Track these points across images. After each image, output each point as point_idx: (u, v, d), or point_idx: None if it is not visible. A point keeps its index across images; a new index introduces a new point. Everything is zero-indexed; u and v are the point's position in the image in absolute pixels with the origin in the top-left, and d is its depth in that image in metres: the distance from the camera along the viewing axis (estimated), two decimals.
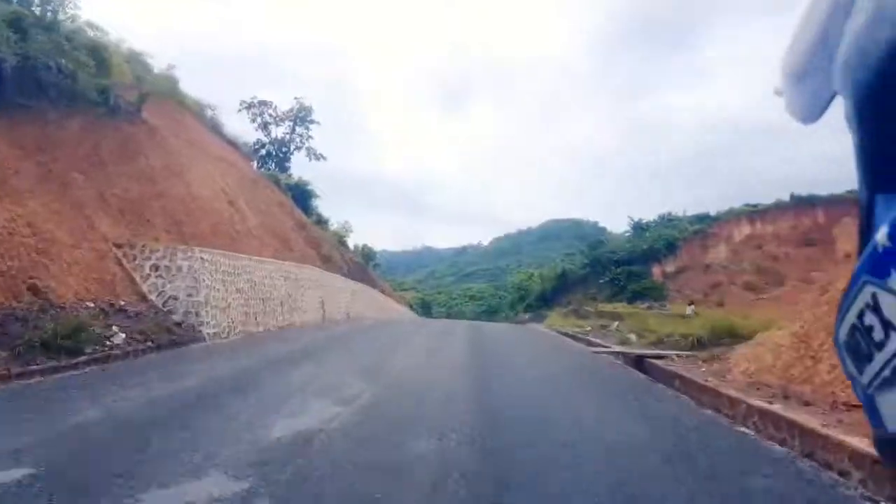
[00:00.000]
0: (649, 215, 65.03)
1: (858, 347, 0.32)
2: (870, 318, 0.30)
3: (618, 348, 10.20)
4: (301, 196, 46.02)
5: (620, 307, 43.60)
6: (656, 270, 51.57)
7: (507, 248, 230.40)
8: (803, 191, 63.69)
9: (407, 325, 19.32)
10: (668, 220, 60.99)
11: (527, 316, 51.19)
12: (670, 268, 52.18)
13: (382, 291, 48.03)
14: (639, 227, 57.41)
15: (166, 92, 22.41)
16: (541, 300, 63.10)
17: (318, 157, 58.43)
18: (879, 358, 0.29)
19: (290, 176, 50.96)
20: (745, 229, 59.40)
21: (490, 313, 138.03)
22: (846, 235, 58.57)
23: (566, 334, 16.23)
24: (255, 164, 51.27)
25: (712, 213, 62.19)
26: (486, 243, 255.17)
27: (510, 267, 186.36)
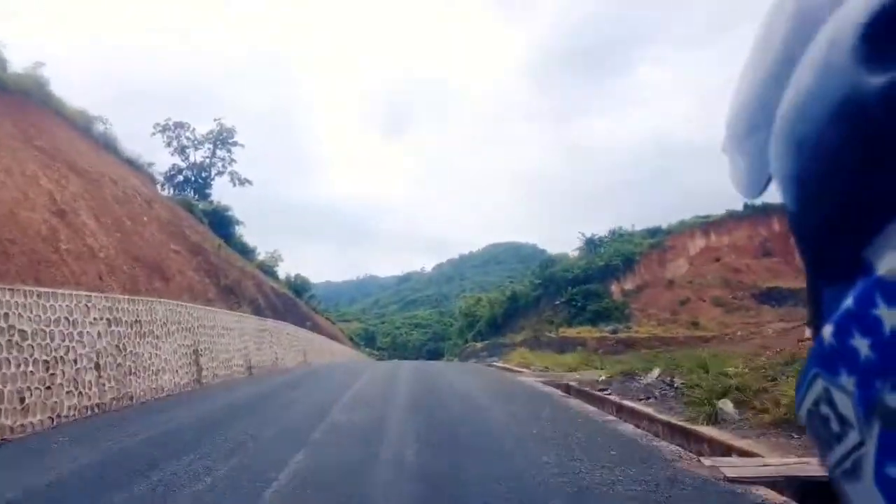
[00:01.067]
0: (597, 231, 60.72)
1: (818, 433, 0.30)
2: (825, 409, 0.29)
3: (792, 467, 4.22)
4: (220, 223, 39.93)
5: (584, 331, 38.38)
6: (615, 289, 46.90)
7: (450, 273, 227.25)
8: (756, 200, 61.23)
9: (331, 386, 12.82)
10: (619, 236, 56.94)
11: (479, 345, 44.94)
12: (629, 285, 47.63)
13: (317, 328, 41.10)
14: (592, 244, 52.86)
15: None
16: (492, 326, 57.40)
17: (243, 181, 52.81)
18: (839, 450, 0.28)
19: (210, 202, 44.76)
20: (700, 242, 56.14)
21: (436, 341, 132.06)
22: None
23: (569, 389, 10.21)
24: (166, 188, 45.45)
25: (664, 226, 58.72)
26: (429, 269, 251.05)
27: (454, 292, 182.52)
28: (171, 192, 44.60)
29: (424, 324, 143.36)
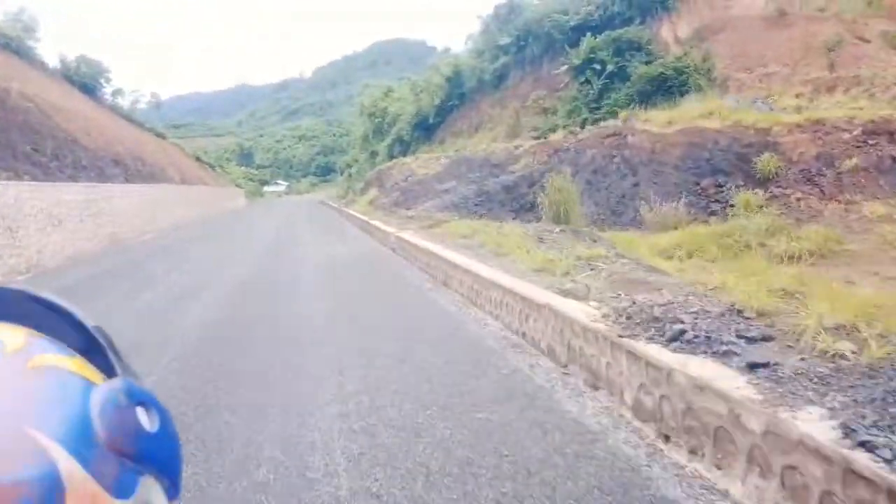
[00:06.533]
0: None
1: None
2: None
3: None
4: None
5: (669, 115, 15.34)
6: (665, 34, 23.72)
7: (333, 77, 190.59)
8: None
9: None
10: None
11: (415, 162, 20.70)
12: (684, 30, 24.52)
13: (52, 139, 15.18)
14: None
15: None
16: (421, 129, 33.33)
17: None
18: None
19: None
20: None
21: (326, 154, 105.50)
22: None
23: None
24: None
25: None
26: (308, 74, 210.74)
27: (340, 99, 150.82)
28: None
29: (310, 135, 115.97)
